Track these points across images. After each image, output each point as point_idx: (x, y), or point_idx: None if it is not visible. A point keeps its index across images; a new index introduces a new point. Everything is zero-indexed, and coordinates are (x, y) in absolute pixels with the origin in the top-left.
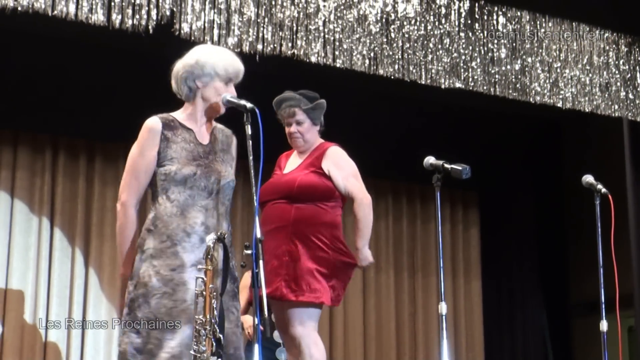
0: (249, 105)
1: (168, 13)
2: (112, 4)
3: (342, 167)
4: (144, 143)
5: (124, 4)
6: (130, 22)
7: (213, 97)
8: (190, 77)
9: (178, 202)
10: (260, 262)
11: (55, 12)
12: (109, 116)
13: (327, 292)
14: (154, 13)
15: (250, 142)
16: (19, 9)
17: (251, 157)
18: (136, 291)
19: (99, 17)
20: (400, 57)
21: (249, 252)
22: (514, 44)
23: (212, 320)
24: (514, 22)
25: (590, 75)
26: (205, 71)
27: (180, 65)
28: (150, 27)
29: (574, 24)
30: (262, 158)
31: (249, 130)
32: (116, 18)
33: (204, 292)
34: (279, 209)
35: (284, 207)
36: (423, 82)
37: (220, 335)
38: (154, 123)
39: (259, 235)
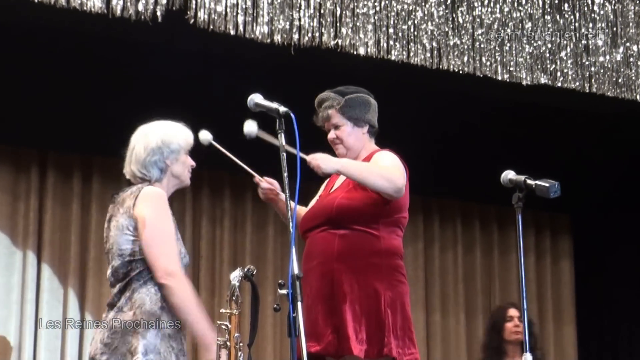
0: (282, 109)
1: None
2: None
3: (380, 160)
4: (166, 208)
5: None
6: (133, 8)
7: (182, 171)
8: (160, 158)
9: None
10: (299, 304)
11: None
12: (107, 124)
13: (392, 342)
14: None
15: (284, 154)
16: None
17: (285, 174)
18: None
19: (95, 4)
20: (470, 46)
21: (284, 292)
22: (614, 29)
23: None
24: (613, 1)
25: None
26: (172, 148)
27: (141, 150)
28: (158, 14)
29: None
30: (299, 175)
31: (282, 140)
32: (117, 4)
33: (228, 343)
34: (322, 240)
35: (327, 236)
36: (499, 78)
37: None
38: (163, 193)
39: (296, 271)
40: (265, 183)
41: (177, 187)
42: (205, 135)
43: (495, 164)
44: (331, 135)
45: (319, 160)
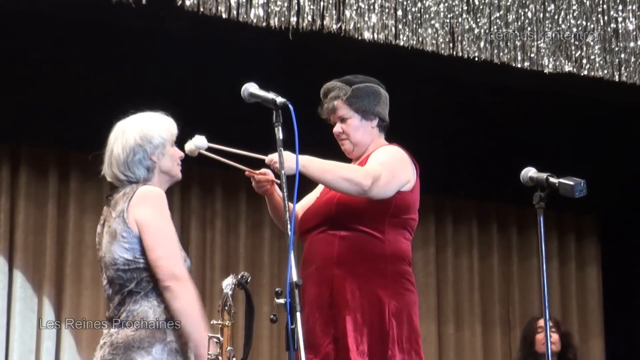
0: (279, 99)
1: None
2: None
3: (376, 155)
4: (166, 209)
5: None
6: None
7: (172, 165)
8: (144, 156)
9: None
10: (298, 314)
11: None
12: (86, 117)
13: (396, 354)
14: None
15: (281, 149)
16: None
17: (283, 172)
18: None
19: None
20: (486, 30)
21: (282, 301)
22: None
23: None
24: None
25: None
26: (155, 142)
27: (120, 150)
28: None
29: None
30: (298, 171)
31: (279, 134)
32: None
33: (220, 357)
34: (321, 242)
35: (327, 238)
36: (519, 66)
37: None
38: (162, 192)
39: (294, 278)
40: (260, 175)
41: (169, 183)
42: (200, 142)
43: (514, 160)
44: (337, 129)
45: (278, 163)
